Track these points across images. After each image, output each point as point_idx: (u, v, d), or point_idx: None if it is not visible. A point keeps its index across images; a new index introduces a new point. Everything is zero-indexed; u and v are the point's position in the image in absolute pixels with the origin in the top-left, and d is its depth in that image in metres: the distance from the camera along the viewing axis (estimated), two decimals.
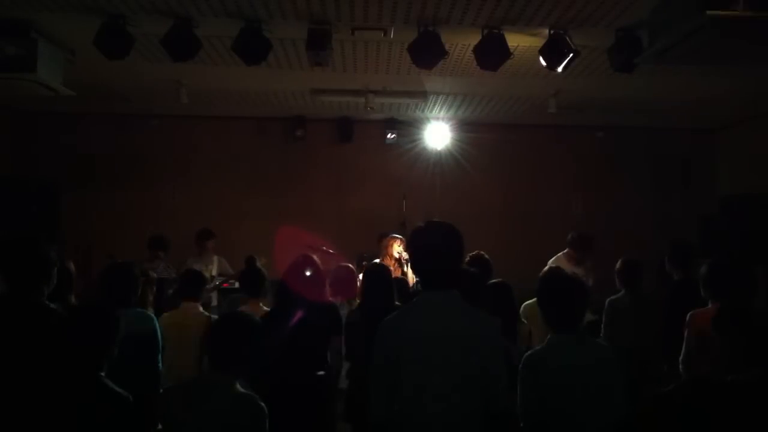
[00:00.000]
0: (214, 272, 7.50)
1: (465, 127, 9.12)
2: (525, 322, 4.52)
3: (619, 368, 3.09)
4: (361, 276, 4.95)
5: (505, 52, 5.27)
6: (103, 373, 2.65)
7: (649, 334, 4.59)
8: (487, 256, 5.05)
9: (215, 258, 7.69)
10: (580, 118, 8.67)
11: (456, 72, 6.59)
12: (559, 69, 5.37)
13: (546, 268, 5.49)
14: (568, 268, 5.83)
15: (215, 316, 4.34)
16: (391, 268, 6.12)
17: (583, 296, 3.21)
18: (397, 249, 6.87)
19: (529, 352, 3.11)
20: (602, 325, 5.02)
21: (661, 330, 4.67)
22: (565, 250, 6.94)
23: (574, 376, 2.98)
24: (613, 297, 5.07)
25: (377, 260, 6.58)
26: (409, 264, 6.83)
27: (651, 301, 5.06)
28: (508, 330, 4.00)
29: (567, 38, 5.24)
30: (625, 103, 7.92)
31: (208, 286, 6.11)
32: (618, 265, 5.15)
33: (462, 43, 5.70)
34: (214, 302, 7.14)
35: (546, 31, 5.28)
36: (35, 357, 2.89)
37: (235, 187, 9.22)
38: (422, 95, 7.74)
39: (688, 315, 4.13)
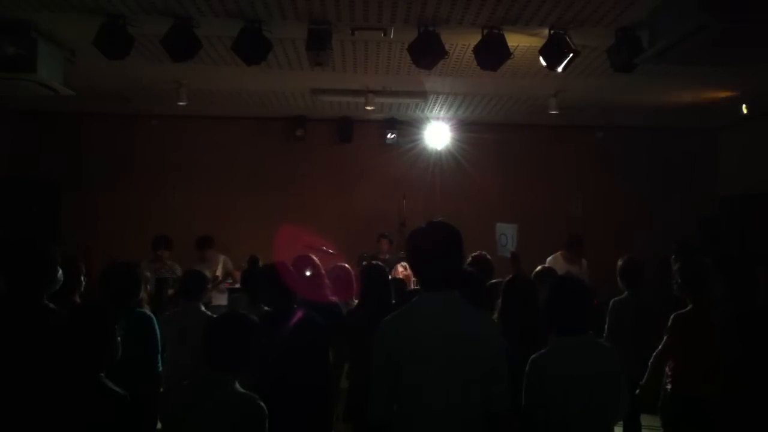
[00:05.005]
0: (218, 272, 7.52)
1: (465, 127, 9.13)
2: None
3: (622, 371, 3.10)
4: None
5: (505, 52, 5.27)
6: (102, 374, 2.65)
7: (652, 334, 4.59)
8: (489, 257, 5.06)
9: (221, 257, 7.69)
10: (580, 118, 8.68)
11: (456, 72, 6.59)
12: (559, 69, 5.37)
13: (539, 268, 5.49)
14: (563, 266, 5.94)
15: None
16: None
17: (589, 299, 3.21)
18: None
19: (534, 355, 3.11)
20: (606, 326, 5.01)
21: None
22: (561, 251, 7.03)
23: (578, 380, 2.98)
24: (617, 298, 5.06)
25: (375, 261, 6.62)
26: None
27: (654, 301, 5.06)
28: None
29: (567, 38, 5.24)
30: (625, 103, 7.92)
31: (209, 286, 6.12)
32: (620, 264, 5.14)
33: (462, 43, 5.70)
34: (222, 302, 7.17)
35: (546, 31, 5.28)
36: (34, 357, 2.89)
37: (235, 187, 9.23)
38: (422, 95, 7.75)
39: (671, 317, 4.21)
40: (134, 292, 4.14)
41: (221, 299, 7.29)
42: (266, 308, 4.39)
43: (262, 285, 4.16)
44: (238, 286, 7.10)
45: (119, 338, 2.75)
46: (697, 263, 4.43)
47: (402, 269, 6.88)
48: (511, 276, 4.21)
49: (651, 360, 4.40)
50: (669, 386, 4.27)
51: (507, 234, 5.56)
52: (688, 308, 4.26)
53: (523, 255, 7.25)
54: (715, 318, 4.04)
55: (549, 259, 6.94)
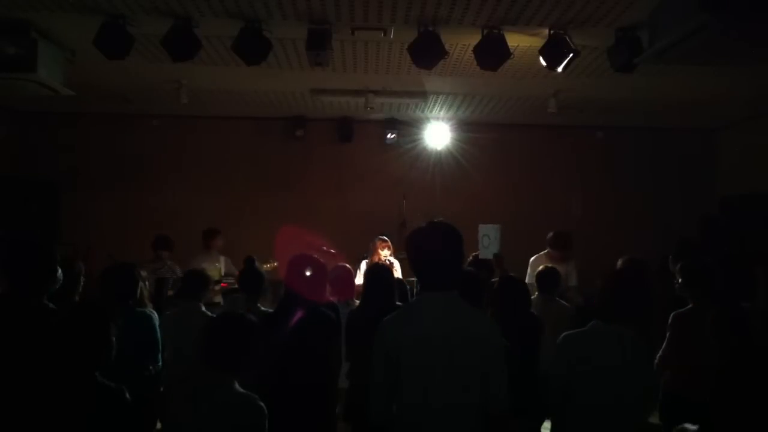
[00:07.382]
0: (222, 272, 7.52)
1: (465, 127, 9.13)
2: None
3: (653, 367, 3.20)
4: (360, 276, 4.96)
5: (505, 52, 5.27)
6: (97, 372, 2.64)
7: (654, 334, 4.60)
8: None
9: (222, 258, 7.69)
10: (580, 118, 8.68)
11: (456, 72, 6.59)
12: (559, 69, 5.37)
13: (541, 268, 5.48)
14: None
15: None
16: None
17: (636, 292, 3.34)
18: (384, 254, 6.93)
19: (570, 332, 3.28)
20: None
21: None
22: (546, 251, 6.94)
23: (604, 369, 3.13)
24: None
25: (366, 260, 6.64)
26: (397, 267, 6.89)
27: (655, 300, 5.05)
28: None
29: (567, 38, 5.23)
30: (625, 103, 7.92)
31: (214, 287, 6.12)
32: (620, 265, 5.14)
33: (462, 43, 5.70)
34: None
35: (546, 31, 5.28)
36: (32, 356, 2.89)
37: (234, 187, 9.23)
38: (422, 95, 7.74)
39: (671, 316, 4.22)
40: (134, 291, 4.15)
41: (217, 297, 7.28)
42: (263, 308, 4.38)
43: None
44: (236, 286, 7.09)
45: (114, 337, 2.75)
46: (699, 262, 4.43)
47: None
48: (502, 276, 4.23)
49: (656, 361, 4.40)
50: (668, 386, 4.27)
51: (490, 235, 5.50)
52: (688, 307, 4.27)
53: (522, 255, 7.27)
54: (710, 318, 4.05)
55: (532, 259, 6.81)
